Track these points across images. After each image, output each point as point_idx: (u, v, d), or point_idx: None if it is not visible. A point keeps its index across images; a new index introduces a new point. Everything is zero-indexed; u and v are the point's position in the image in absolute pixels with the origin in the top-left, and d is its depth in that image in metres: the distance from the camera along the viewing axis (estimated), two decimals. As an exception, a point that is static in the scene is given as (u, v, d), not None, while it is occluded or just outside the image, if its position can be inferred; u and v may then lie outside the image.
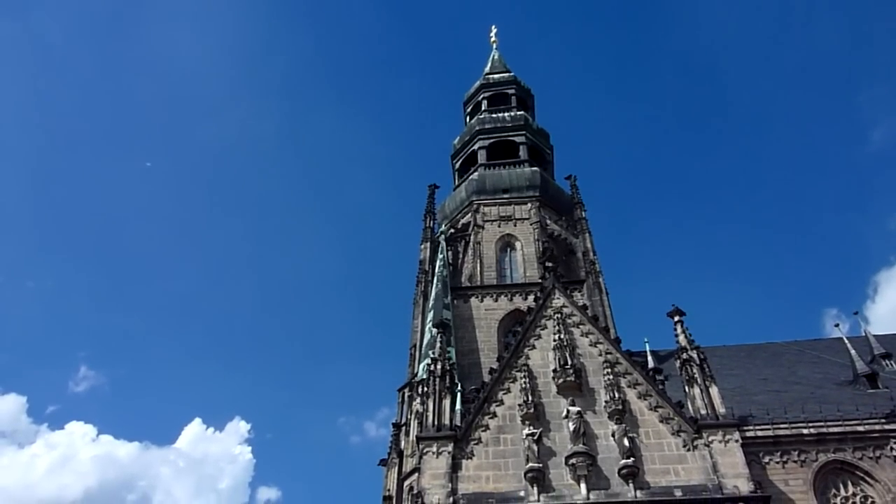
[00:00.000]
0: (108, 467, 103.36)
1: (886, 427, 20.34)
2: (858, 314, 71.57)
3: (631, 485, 18.83)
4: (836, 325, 30.07)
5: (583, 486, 18.92)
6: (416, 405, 25.26)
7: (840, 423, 20.68)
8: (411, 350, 30.69)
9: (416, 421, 25.01)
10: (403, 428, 27.18)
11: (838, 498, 19.64)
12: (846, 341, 26.88)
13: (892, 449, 19.92)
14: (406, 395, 28.33)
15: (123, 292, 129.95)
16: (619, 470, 19.12)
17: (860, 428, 20.51)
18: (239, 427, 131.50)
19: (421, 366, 27.13)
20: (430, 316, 29.35)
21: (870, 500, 19.51)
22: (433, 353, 23.39)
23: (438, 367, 22.34)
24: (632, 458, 19.25)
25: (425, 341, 28.47)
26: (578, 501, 18.55)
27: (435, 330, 24.59)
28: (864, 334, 29.93)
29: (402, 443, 26.62)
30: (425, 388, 22.44)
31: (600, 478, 19.13)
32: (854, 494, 19.66)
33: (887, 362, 27.43)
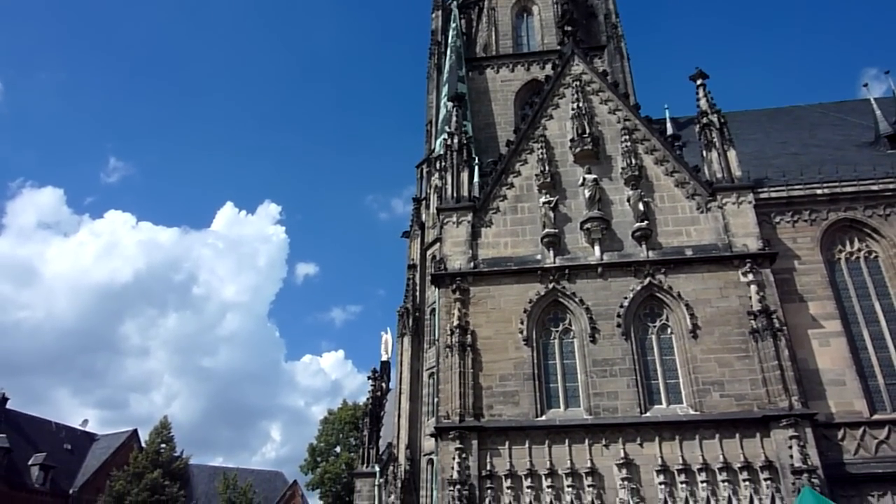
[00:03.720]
0: (152, 251, 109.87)
1: (901, 186, 20.45)
2: (890, 73, 67.90)
3: (644, 245, 19.68)
4: (865, 85, 29.06)
5: (597, 248, 19.82)
6: (435, 180, 25.76)
7: (855, 182, 20.80)
8: (427, 126, 30.51)
9: (435, 195, 25.68)
10: (423, 202, 28.01)
11: (843, 253, 20.40)
12: (872, 101, 26.08)
13: (903, 206, 20.22)
14: (424, 170, 28.76)
15: (140, 81, 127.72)
16: (633, 233, 19.85)
17: (874, 187, 20.66)
18: (269, 209, 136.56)
19: (438, 141, 27.16)
20: (444, 90, 28.69)
21: (874, 254, 20.29)
22: (449, 127, 23.24)
23: (455, 141, 22.32)
24: (646, 222, 19.88)
25: (441, 116, 28.16)
26: (592, 262, 19.55)
27: (450, 104, 24.18)
28: (892, 94, 28.96)
29: (423, 216, 27.62)
30: (443, 163, 22.68)
31: (614, 240, 19.95)
32: (859, 250, 20.39)
33: (912, 121, 26.85)
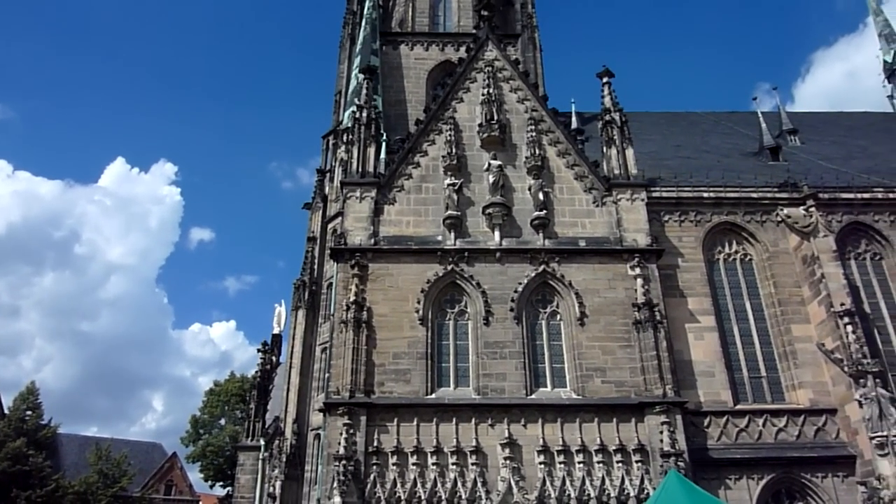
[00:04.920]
0: (30, 203, 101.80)
1: (777, 195, 22.10)
2: (778, 89, 73.36)
3: (541, 234, 20.23)
4: (755, 99, 31.20)
5: (497, 233, 20.17)
6: (341, 152, 25.30)
7: (738, 189, 22.29)
8: (336, 97, 29.89)
9: (340, 168, 25.24)
10: (328, 174, 27.47)
11: (722, 254, 21.85)
12: (759, 115, 27.95)
13: (776, 215, 21.84)
14: (331, 142, 28.19)
15: (24, 17, 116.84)
16: (532, 221, 20.34)
17: (754, 195, 22.20)
18: (165, 169, 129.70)
19: (346, 113, 26.66)
20: (356, 62, 28.13)
21: (748, 256, 21.85)
22: (359, 100, 22.85)
23: (364, 115, 21.98)
24: (544, 211, 20.42)
25: (351, 88, 27.62)
26: (492, 246, 19.90)
27: (361, 76, 23.74)
28: (777, 109, 31.16)
29: (327, 188, 27.11)
30: (350, 136, 22.30)
31: (513, 227, 20.38)
32: (736, 252, 21.90)
33: (792, 138, 29.06)
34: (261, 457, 25.28)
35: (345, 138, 23.73)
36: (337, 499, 16.28)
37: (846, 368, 18.55)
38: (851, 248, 22.03)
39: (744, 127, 30.32)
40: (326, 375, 19.09)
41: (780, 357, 20.16)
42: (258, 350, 28.00)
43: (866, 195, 22.39)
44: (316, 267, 25.87)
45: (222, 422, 50.84)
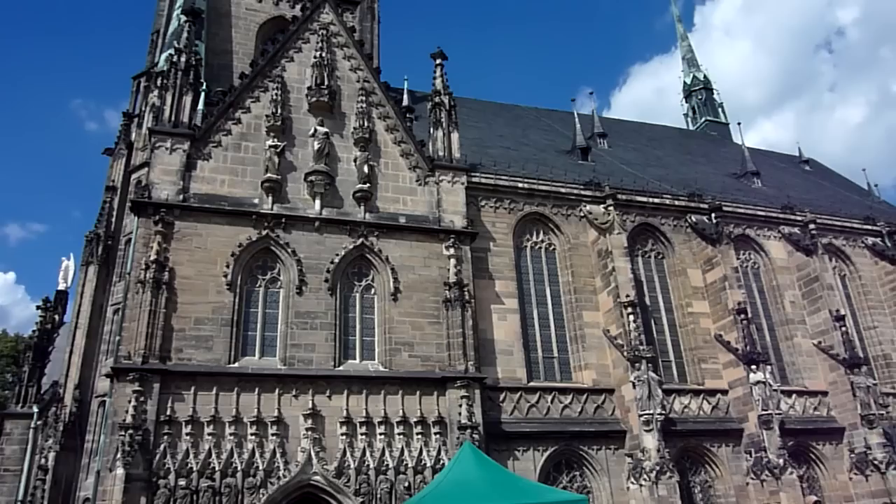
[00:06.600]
0: None
1: (582, 192, 23.91)
2: (594, 94, 79.20)
3: (362, 207, 20.11)
4: (573, 100, 33.41)
5: (317, 202, 19.72)
6: (153, 97, 23.21)
7: (549, 182, 23.79)
8: (153, 36, 27.32)
9: (151, 114, 23.15)
10: (136, 119, 25.13)
11: (529, 242, 23.23)
12: (575, 115, 30.03)
13: (580, 210, 23.65)
14: (142, 84, 25.79)
15: None
16: (355, 193, 20.15)
17: (562, 190, 23.84)
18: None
19: (163, 56, 24.52)
20: (179, 1, 25.88)
21: (552, 246, 23.46)
22: (178, 43, 21.05)
23: (182, 60, 20.29)
24: (367, 184, 20.31)
25: (171, 29, 25.39)
26: (311, 215, 19.41)
27: (184, 18, 21.82)
28: (591, 113, 33.70)
29: (133, 135, 24.81)
30: (165, 81, 20.45)
31: (335, 197, 20.04)
32: (542, 241, 23.40)
33: (601, 141, 31.63)
34: (33, 425, 22.69)
35: (159, 82, 21.70)
36: (120, 470, 15.10)
37: (625, 353, 20.65)
38: (640, 246, 24.50)
39: (561, 126, 32.47)
40: (118, 339, 17.49)
41: (571, 340, 21.94)
42: (38, 307, 25.01)
43: (657, 200, 24.99)
44: (114, 220, 23.62)
45: (-12, 385, 45.02)
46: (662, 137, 37.79)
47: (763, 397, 21.00)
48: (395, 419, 17.77)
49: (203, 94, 21.04)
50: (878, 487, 21.50)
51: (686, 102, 45.18)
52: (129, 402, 15.80)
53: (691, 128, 43.71)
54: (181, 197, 18.55)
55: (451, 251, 20.12)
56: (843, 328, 23.98)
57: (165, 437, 15.97)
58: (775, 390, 21.42)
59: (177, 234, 18.10)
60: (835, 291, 25.52)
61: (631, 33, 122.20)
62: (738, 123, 37.13)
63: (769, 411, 20.83)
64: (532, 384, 20.65)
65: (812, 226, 26.48)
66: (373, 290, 19.59)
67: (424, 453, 17.60)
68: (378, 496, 16.76)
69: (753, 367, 21.48)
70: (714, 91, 44.51)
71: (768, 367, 22.07)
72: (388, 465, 17.18)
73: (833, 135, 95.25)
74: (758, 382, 21.23)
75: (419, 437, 17.81)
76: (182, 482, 15.62)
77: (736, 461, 21.24)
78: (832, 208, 29.40)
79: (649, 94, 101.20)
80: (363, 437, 17.38)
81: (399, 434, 17.66)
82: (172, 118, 19.39)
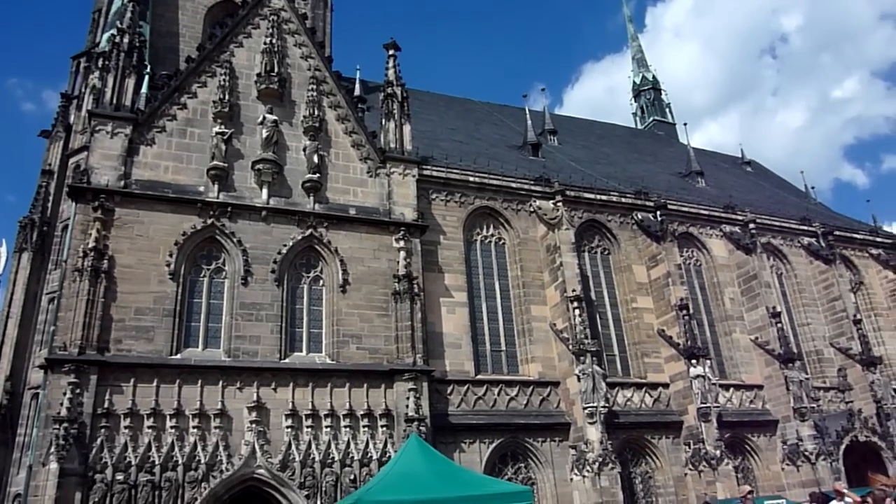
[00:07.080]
0: None
1: (532, 188, 24.12)
2: (546, 91, 79.90)
3: (311, 197, 19.83)
4: (525, 96, 33.65)
5: (265, 191, 19.35)
6: (94, 79, 22.40)
7: (500, 177, 23.92)
8: (95, 14, 26.31)
9: (91, 96, 22.33)
10: (75, 101, 24.19)
11: (479, 236, 23.33)
12: (527, 111, 30.27)
13: (530, 205, 23.86)
14: (82, 64, 24.82)
15: None
16: (304, 183, 19.85)
17: (513, 185, 24.00)
18: None
19: (105, 35, 23.62)
20: (124, -20, 24.95)
21: (502, 240, 23.62)
22: (121, 23, 20.28)
23: (125, 40, 19.58)
24: (317, 174, 20.04)
25: (114, 8, 24.48)
26: (258, 204, 19.04)
27: (128, -3, 21.07)
28: (542, 109, 34.03)
29: (72, 117, 23.91)
30: (107, 62, 19.71)
31: (284, 187, 19.71)
32: (492, 235, 23.54)
33: (552, 137, 31.96)
34: (-41, 418, 21.69)
35: (100, 63, 20.91)
36: (53, 465, 14.57)
37: (571, 347, 20.97)
38: (587, 242, 24.90)
39: (512, 121, 32.67)
40: (53, 329, 16.82)
41: (518, 333, 22.16)
42: (-33, 295, 23.88)
43: (604, 197, 25.41)
44: (50, 205, 22.77)
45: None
46: (611, 135, 38.48)
47: (702, 391, 21.65)
48: (342, 412, 17.63)
49: (147, 77, 20.41)
50: (809, 477, 22.43)
51: (635, 102, 46.08)
52: (65, 394, 15.24)
53: (639, 127, 44.61)
54: (122, 183, 17.94)
55: (401, 244, 20.05)
56: (779, 324, 24.90)
57: (103, 430, 15.48)
58: (714, 384, 22.12)
59: (117, 221, 17.51)
60: (772, 289, 26.49)
61: (584, 32, 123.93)
62: (685, 124, 38.13)
63: (708, 404, 21.49)
64: (479, 377, 20.77)
65: (752, 225, 27.39)
66: (321, 282, 19.37)
67: (371, 446, 17.54)
68: (323, 489, 16.61)
69: (694, 361, 22.12)
70: (662, 91, 45.54)
71: (708, 361, 22.76)
72: (333, 457, 17.04)
73: (774, 138, 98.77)
74: (697, 376, 21.87)
75: (366, 429, 17.73)
76: (120, 476, 15.16)
77: (675, 453, 21.86)
78: (771, 209, 30.45)
79: (601, 93, 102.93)
80: (309, 429, 17.20)
81: (346, 427, 17.54)
82: (114, 101, 18.71)
